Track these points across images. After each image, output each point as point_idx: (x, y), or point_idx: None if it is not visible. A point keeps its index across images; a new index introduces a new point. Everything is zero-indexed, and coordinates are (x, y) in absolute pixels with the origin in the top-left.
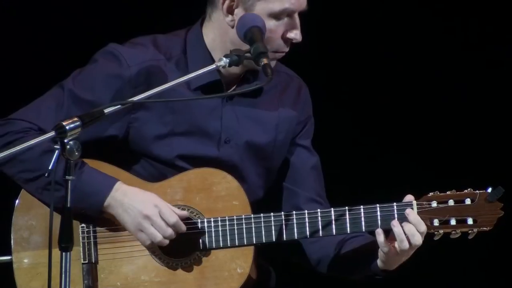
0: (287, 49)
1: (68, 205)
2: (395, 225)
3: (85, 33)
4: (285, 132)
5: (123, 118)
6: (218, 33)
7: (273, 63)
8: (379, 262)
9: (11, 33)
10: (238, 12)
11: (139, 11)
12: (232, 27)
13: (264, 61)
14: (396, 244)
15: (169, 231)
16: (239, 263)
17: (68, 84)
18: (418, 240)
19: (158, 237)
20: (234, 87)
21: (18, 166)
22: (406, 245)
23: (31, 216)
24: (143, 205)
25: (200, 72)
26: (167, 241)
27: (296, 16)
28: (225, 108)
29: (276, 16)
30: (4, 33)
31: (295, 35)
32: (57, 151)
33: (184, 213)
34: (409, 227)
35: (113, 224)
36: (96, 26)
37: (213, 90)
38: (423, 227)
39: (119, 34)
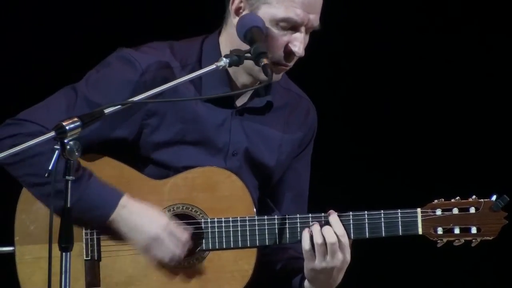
0: (289, 64)
1: (68, 205)
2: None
3: (91, 33)
4: (287, 154)
5: (134, 124)
6: (229, 38)
7: (278, 77)
8: (306, 282)
9: (20, 31)
10: None
11: (152, 15)
12: None
13: (264, 61)
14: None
15: (177, 252)
16: (242, 264)
17: (81, 87)
18: (332, 237)
19: (166, 257)
20: (246, 100)
21: (26, 169)
22: (320, 239)
23: (35, 210)
24: (150, 226)
25: (200, 73)
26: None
27: (302, 30)
28: (234, 122)
29: (279, 23)
30: (12, 31)
31: (296, 48)
32: (57, 151)
33: (189, 232)
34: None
35: None
36: (105, 28)
37: (224, 103)
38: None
39: (132, 36)
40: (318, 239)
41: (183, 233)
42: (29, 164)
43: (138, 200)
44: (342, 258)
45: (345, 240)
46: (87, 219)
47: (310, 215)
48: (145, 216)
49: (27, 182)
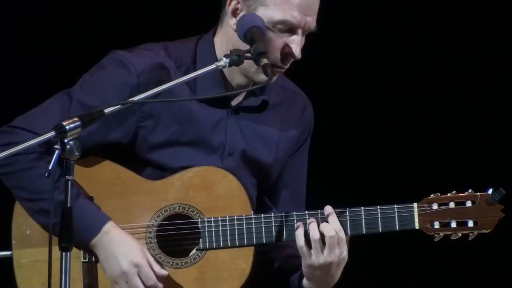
0: (285, 66)
1: (68, 205)
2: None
3: (88, 36)
4: (284, 151)
5: (130, 126)
6: (224, 39)
7: (273, 79)
8: (304, 280)
9: (16, 34)
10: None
11: (148, 16)
12: (235, 30)
13: (264, 61)
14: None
15: None
16: (239, 263)
17: (75, 92)
18: (330, 230)
19: None
20: (241, 99)
21: (15, 181)
22: (317, 234)
23: None
24: (123, 259)
25: (200, 72)
26: None
27: (299, 32)
28: (229, 121)
29: (276, 26)
30: (7, 33)
31: (292, 50)
32: (57, 151)
33: (164, 272)
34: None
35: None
36: (101, 29)
37: (219, 103)
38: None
39: (126, 38)
40: (314, 235)
41: (150, 277)
42: (17, 178)
43: (121, 230)
44: (339, 253)
45: (341, 235)
46: None
47: (306, 212)
48: (121, 248)
49: (17, 195)
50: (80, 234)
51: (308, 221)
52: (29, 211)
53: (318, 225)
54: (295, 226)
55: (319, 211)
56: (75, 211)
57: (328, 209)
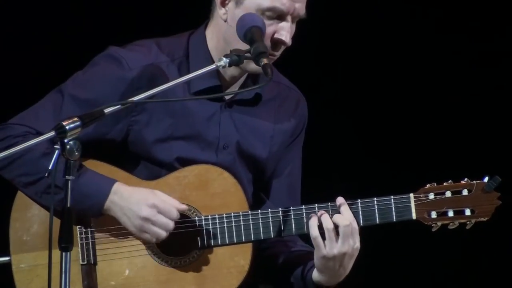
0: (276, 53)
1: (68, 205)
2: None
3: (84, 36)
4: (279, 145)
5: (123, 121)
6: (215, 30)
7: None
8: (314, 272)
9: (10, 35)
10: (231, 6)
11: (141, 13)
12: (225, 20)
13: (264, 61)
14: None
15: (171, 225)
16: (238, 260)
17: (67, 87)
18: (345, 219)
19: (162, 234)
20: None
21: (17, 169)
22: (330, 224)
23: (28, 217)
24: (139, 207)
25: (199, 73)
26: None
27: (289, 19)
28: (223, 115)
29: (265, 13)
30: (4, 35)
31: (282, 37)
32: (57, 151)
33: (183, 207)
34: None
35: (111, 224)
36: (95, 28)
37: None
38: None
39: (120, 37)
40: (328, 225)
41: (172, 211)
42: (18, 164)
43: (127, 186)
44: (352, 243)
45: (354, 225)
46: (81, 209)
47: (303, 206)
48: (132, 199)
49: (21, 183)
50: (92, 200)
51: (319, 212)
52: (35, 195)
53: (330, 216)
54: (308, 217)
55: (329, 203)
56: (82, 180)
57: (340, 200)
